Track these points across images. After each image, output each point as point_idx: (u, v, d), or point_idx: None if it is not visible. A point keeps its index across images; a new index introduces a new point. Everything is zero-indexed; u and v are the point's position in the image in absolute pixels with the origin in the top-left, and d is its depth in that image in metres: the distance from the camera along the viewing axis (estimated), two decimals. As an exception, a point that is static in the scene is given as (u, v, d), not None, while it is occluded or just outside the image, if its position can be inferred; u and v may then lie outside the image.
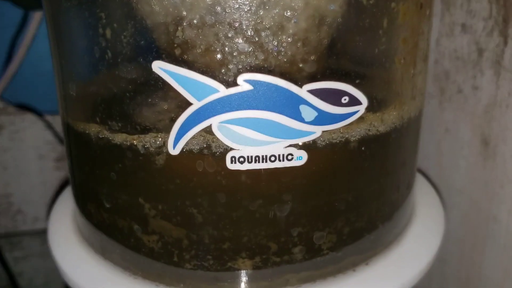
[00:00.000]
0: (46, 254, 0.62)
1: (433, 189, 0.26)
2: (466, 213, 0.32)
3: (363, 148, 0.18)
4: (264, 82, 0.15)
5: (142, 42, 0.16)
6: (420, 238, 0.22)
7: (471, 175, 0.32)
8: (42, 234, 0.58)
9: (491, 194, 0.30)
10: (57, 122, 0.54)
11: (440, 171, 0.35)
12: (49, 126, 0.54)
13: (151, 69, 0.15)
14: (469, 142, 0.32)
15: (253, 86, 0.15)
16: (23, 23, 0.53)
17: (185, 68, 0.15)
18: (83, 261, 0.20)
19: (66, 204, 0.24)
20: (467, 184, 0.32)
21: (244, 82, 0.15)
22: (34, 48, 0.53)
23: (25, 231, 0.58)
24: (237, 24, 0.16)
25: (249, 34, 0.16)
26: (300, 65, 0.16)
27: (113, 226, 0.19)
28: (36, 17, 0.54)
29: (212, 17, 0.16)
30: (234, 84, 0.15)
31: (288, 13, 0.16)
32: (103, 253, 0.20)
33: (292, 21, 0.16)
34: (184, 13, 0.16)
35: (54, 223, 0.23)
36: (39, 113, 0.54)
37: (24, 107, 0.53)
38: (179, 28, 0.16)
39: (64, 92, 0.19)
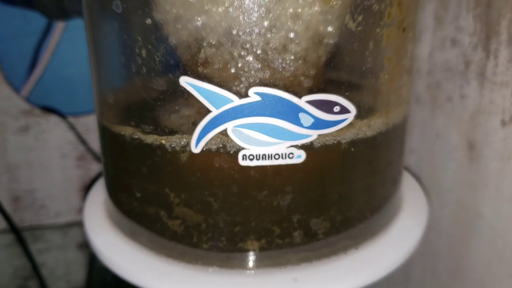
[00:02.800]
0: (67, 246, 0.66)
1: (420, 186, 0.29)
2: (454, 210, 0.36)
3: (352, 149, 0.21)
4: (270, 94, 0.19)
5: (172, 61, 0.19)
6: (405, 228, 0.25)
7: (458, 176, 0.35)
8: (63, 228, 0.62)
9: (476, 193, 0.33)
10: (79, 123, 0.58)
11: (432, 172, 0.38)
12: (72, 127, 0.58)
13: (178, 82, 0.19)
14: (457, 146, 0.35)
15: (261, 97, 0.19)
16: (47, 31, 0.58)
17: (206, 82, 0.19)
18: (115, 243, 0.24)
19: (98, 195, 0.28)
20: (455, 184, 0.35)
21: (254, 94, 0.19)
22: (58, 54, 0.57)
23: (48, 225, 0.61)
24: (248, 45, 0.19)
25: (258, 53, 0.19)
26: (300, 80, 0.20)
27: (142, 213, 0.22)
28: (60, 26, 0.58)
29: (228, 40, 0.19)
30: (246, 95, 0.19)
31: (291, 35, 0.20)
32: (132, 236, 0.23)
33: (295, 42, 0.20)
34: (204, 35, 0.19)
35: (88, 211, 0.27)
36: (62, 115, 0.57)
37: (49, 110, 0.57)
38: (201, 50, 0.19)
39: (101, 99, 0.23)
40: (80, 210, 0.61)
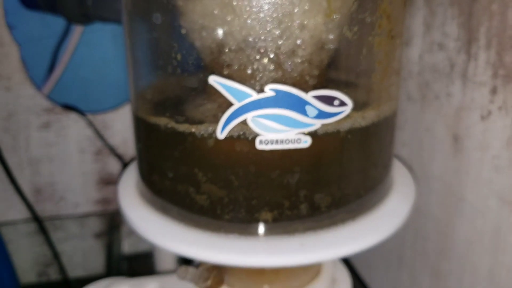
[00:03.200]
0: (84, 236, 0.70)
1: (408, 172, 0.34)
2: (441, 196, 0.40)
3: (349, 137, 0.25)
4: (283, 90, 0.23)
5: (202, 63, 0.23)
6: (395, 205, 0.29)
7: (445, 165, 0.39)
8: (81, 218, 0.66)
9: (459, 179, 0.37)
10: (97, 120, 0.62)
11: (422, 162, 0.42)
12: (90, 124, 0.62)
13: (207, 81, 0.23)
14: (443, 139, 0.39)
15: (275, 92, 0.23)
16: (65, 34, 0.62)
17: (230, 80, 0.23)
18: (149, 217, 0.28)
19: (129, 179, 0.32)
20: (442, 172, 0.39)
21: (269, 90, 0.23)
22: (76, 56, 0.62)
23: (67, 215, 0.65)
24: (263, 50, 0.24)
25: (271, 57, 0.24)
26: (306, 78, 0.24)
27: (173, 190, 0.27)
28: (78, 29, 0.63)
29: (247, 45, 0.23)
30: (262, 91, 0.23)
31: (299, 42, 0.24)
32: (163, 211, 0.28)
33: (302, 48, 0.24)
34: (226, 42, 0.24)
35: (122, 192, 0.31)
36: (82, 113, 0.62)
37: (69, 107, 0.62)
38: (224, 53, 0.23)
39: (138, 95, 0.27)
40: (97, 201, 0.66)
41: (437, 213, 0.41)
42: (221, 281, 0.28)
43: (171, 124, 0.25)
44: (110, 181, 0.64)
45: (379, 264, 0.52)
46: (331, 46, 0.24)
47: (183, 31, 0.23)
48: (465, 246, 0.37)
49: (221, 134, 0.24)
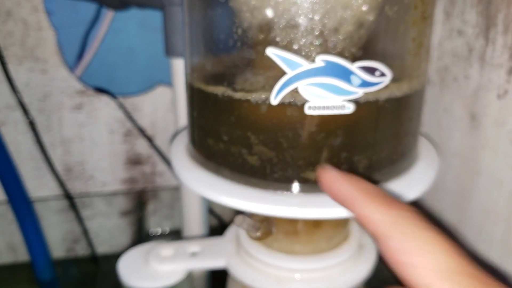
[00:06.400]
0: (111, 214, 0.73)
1: (432, 145, 0.37)
2: (458, 171, 0.43)
3: (386, 105, 0.28)
4: (331, 61, 0.26)
5: (261, 36, 0.27)
6: (422, 171, 0.32)
7: (462, 142, 0.42)
8: (108, 197, 0.69)
9: (476, 155, 0.41)
10: (127, 103, 0.66)
11: (439, 140, 0.45)
12: (121, 106, 0.65)
13: (264, 52, 0.26)
14: (461, 118, 0.42)
15: (324, 63, 0.26)
16: (94, 20, 0.65)
17: (285, 51, 0.26)
18: (203, 178, 0.31)
19: (179, 148, 0.36)
20: (459, 148, 0.43)
21: (320, 61, 0.26)
22: (105, 42, 0.65)
23: (95, 193, 0.68)
24: (310, 28, 0.27)
25: (318, 33, 0.27)
26: (352, 51, 0.27)
27: (227, 152, 0.30)
28: (108, 16, 0.66)
29: (297, 23, 0.27)
30: (313, 61, 0.26)
31: (341, 21, 0.27)
32: (217, 172, 0.31)
33: (344, 26, 0.27)
34: (277, 20, 0.27)
35: (175, 159, 0.34)
36: (113, 95, 0.65)
37: (101, 90, 0.65)
38: (279, 30, 0.26)
39: (195, 67, 0.30)
40: (124, 181, 0.69)
41: (454, 187, 0.44)
42: (269, 234, 0.32)
43: (228, 92, 0.28)
44: (137, 162, 0.68)
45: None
46: (375, 23, 0.27)
47: (244, 8, 0.26)
48: (481, 216, 0.41)
49: (274, 101, 0.27)
